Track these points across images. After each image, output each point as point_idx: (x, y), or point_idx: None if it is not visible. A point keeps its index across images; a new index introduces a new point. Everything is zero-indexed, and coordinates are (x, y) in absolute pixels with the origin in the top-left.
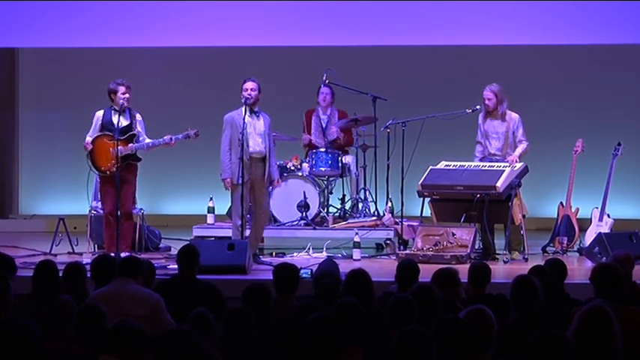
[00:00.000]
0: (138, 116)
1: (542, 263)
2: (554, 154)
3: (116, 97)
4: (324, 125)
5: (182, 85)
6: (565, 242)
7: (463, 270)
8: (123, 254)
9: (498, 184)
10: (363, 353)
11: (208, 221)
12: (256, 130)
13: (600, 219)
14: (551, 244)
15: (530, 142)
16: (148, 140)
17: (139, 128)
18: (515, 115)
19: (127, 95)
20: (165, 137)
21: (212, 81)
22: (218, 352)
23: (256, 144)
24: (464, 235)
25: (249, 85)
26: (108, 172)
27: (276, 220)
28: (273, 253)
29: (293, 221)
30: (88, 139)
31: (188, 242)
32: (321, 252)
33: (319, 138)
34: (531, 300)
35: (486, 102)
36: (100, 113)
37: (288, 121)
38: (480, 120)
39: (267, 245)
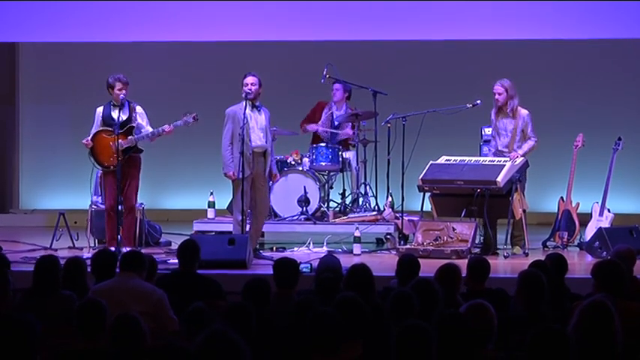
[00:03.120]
0: (138, 109)
1: (542, 258)
2: (554, 149)
3: (113, 91)
4: (335, 122)
5: (182, 80)
6: (565, 237)
7: (463, 265)
8: (125, 249)
9: (499, 178)
10: (364, 347)
11: (209, 216)
12: (258, 125)
13: (601, 214)
14: (552, 239)
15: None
16: (148, 128)
17: (140, 120)
18: (524, 112)
19: (123, 91)
20: (164, 126)
21: (212, 75)
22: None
23: (258, 138)
24: (464, 229)
25: (250, 79)
26: (111, 167)
27: (276, 215)
28: (274, 248)
29: (293, 216)
30: (91, 135)
31: (188, 237)
32: (322, 247)
33: (325, 126)
34: (538, 295)
35: (496, 97)
36: (100, 109)
37: (289, 116)
38: (493, 116)
39: (268, 240)
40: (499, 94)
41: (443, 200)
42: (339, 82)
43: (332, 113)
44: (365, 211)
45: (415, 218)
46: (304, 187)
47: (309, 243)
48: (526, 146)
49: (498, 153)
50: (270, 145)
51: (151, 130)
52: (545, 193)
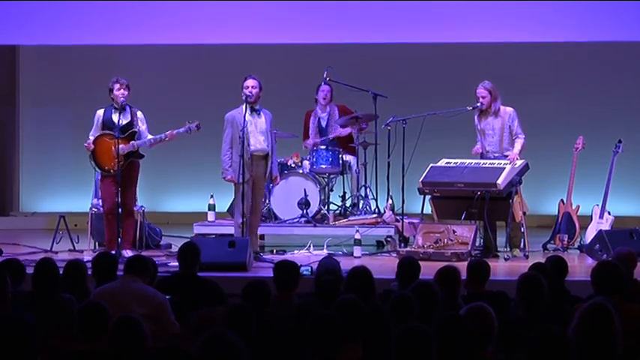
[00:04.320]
0: (139, 113)
1: (542, 260)
2: (554, 152)
3: (112, 93)
4: (323, 124)
5: (182, 83)
6: (566, 239)
7: (463, 267)
8: (125, 252)
9: (499, 181)
10: (364, 349)
11: (209, 219)
12: (258, 128)
13: (601, 216)
14: (552, 242)
15: (531, 139)
16: (149, 137)
17: (140, 125)
18: (509, 109)
19: (121, 91)
20: (166, 132)
21: (213, 78)
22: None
23: (258, 142)
24: (464, 232)
25: (250, 82)
26: (112, 171)
27: (276, 218)
28: (274, 251)
29: (294, 219)
30: (91, 138)
31: (189, 240)
32: (322, 249)
33: (316, 138)
34: (538, 298)
35: (480, 100)
36: (100, 112)
37: (289, 119)
38: (476, 120)
39: (268, 243)
40: (483, 97)
41: (443, 203)
42: (325, 83)
43: (319, 118)
44: (365, 213)
45: (415, 221)
46: (304, 190)
47: (310, 246)
48: (518, 146)
49: (485, 154)
50: (272, 147)
51: (152, 136)
52: (546, 196)
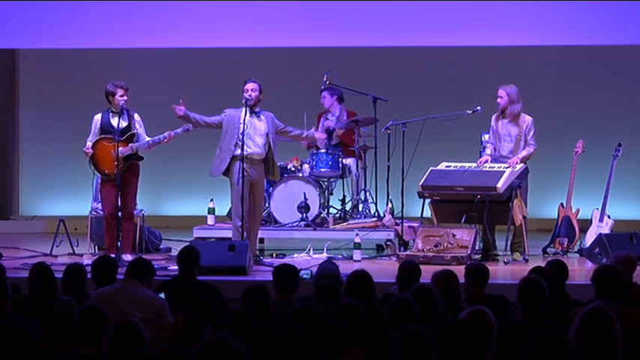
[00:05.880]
0: (136, 116)
1: (542, 264)
2: (554, 155)
3: (114, 99)
4: (331, 128)
5: (181, 87)
6: (565, 243)
7: (462, 271)
8: (125, 256)
9: (499, 185)
10: (364, 353)
11: (209, 222)
12: (257, 131)
13: (601, 220)
14: (552, 245)
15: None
16: (147, 139)
17: (138, 128)
18: (528, 118)
19: (124, 97)
20: (164, 134)
21: (212, 82)
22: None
23: (255, 145)
24: (464, 236)
25: (250, 86)
26: (112, 175)
27: (276, 221)
28: (274, 254)
29: (293, 222)
30: (89, 143)
31: (188, 243)
32: (322, 253)
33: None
34: (538, 301)
35: (497, 100)
36: (98, 117)
37: (289, 122)
38: (493, 121)
39: (268, 246)
40: (500, 97)
41: (443, 206)
42: (324, 89)
43: (328, 121)
44: (365, 217)
45: (415, 224)
46: (304, 194)
47: (309, 249)
48: (525, 152)
49: (501, 159)
50: (274, 148)
51: (150, 138)
52: (545, 200)
